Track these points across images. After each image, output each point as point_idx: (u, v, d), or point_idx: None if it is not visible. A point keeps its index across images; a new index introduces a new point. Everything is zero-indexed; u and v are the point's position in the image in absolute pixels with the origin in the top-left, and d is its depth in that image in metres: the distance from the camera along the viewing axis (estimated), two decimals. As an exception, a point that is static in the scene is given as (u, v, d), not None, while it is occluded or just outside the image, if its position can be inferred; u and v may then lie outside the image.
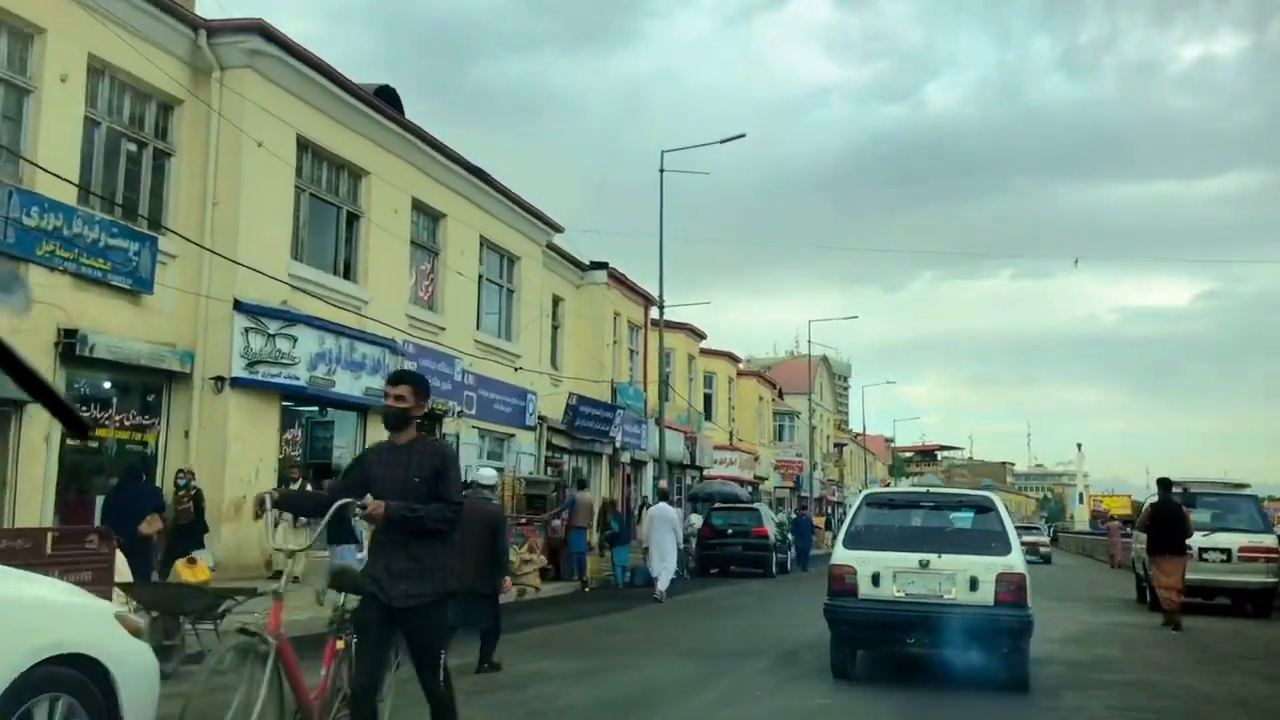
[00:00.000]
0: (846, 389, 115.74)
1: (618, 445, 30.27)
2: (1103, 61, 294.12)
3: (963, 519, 9.15)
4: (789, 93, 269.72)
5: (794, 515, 33.49)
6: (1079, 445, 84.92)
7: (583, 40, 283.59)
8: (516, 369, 24.08)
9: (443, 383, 20.81)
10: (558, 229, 26.22)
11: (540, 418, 25.49)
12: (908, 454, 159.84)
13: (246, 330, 15.36)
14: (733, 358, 45.91)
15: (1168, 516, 14.20)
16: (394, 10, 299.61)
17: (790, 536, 27.69)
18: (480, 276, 23.12)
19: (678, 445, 35.93)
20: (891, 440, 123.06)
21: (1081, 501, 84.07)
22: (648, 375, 32.47)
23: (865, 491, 10.54)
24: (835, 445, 77.04)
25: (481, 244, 23.04)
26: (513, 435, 24.12)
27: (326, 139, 17.54)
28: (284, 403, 16.45)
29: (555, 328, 29.44)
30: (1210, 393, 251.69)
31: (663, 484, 22.82)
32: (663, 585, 17.24)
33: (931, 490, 11.15)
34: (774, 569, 24.04)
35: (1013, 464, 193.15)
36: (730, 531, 24.00)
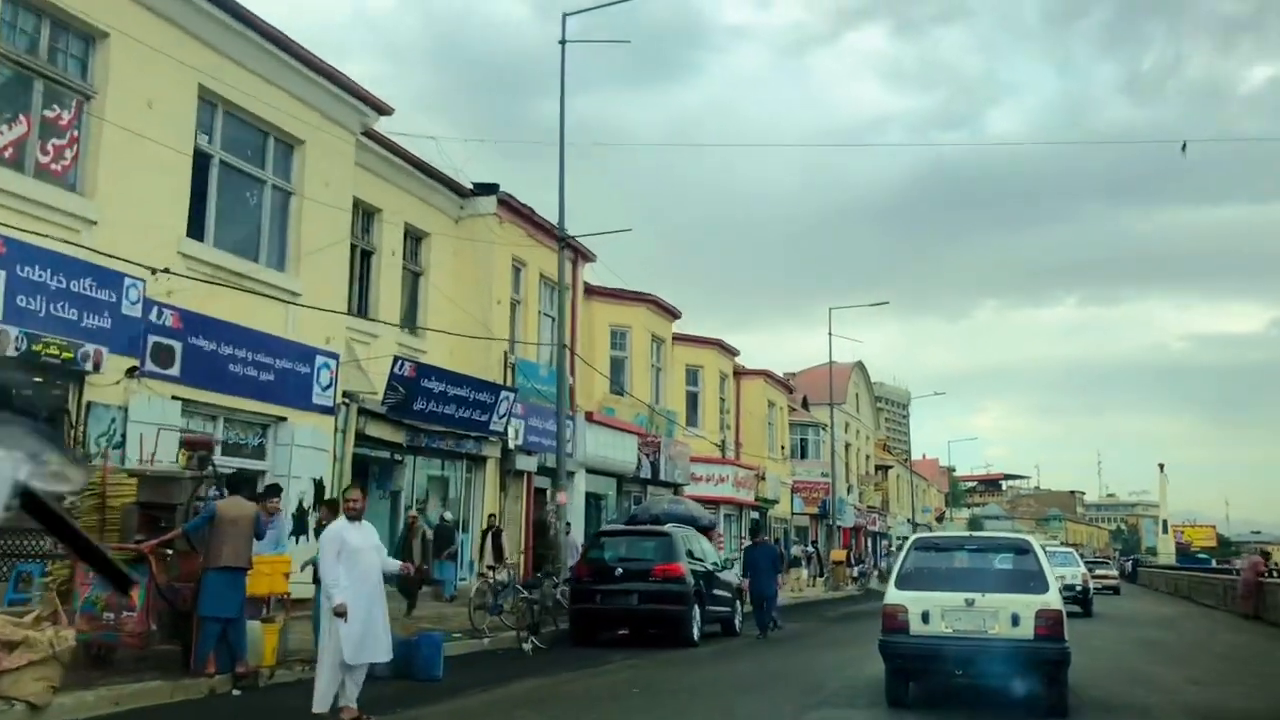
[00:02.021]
0: (906, 417, 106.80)
1: (511, 446, 21.08)
2: (1167, 85, 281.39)
3: (1003, 560, 9.74)
4: (847, 123, 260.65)
5: (749, 545, 22.71)
6: (1161, 466, 72.40)
7: (640, 76, 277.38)
8: (239, 288, 15.17)
9: (87, 315, 11.99)
10: (383, 110, 17.31)
11: (346, 395, 16.53)
12: (969, 483, 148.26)
13: None
14: (725, 348, 36.34)
15: None
16: (452, 50, 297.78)
17: (739, 578, 18.03)
18: (207, 157, 14.30)
19: (627, 451, 26.68)
20: (952, 469, 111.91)
21: (1165, 531, 72.26)
22: (575, 351, 23.28)
23: (914, 536, 10.61)
24: (877, 467, 67.11)
25: (204, 103, 14.21)
26: (283, 419, 15.18)
27: None
28: None
29: (416, 275, 20.60)
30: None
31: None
32: (320, 701, 7.95)
33: (974, 535, 12.66)
34: (695, 632, 14.54)
35: (1083, 493, 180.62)
36: (620, 572, 14.56)
